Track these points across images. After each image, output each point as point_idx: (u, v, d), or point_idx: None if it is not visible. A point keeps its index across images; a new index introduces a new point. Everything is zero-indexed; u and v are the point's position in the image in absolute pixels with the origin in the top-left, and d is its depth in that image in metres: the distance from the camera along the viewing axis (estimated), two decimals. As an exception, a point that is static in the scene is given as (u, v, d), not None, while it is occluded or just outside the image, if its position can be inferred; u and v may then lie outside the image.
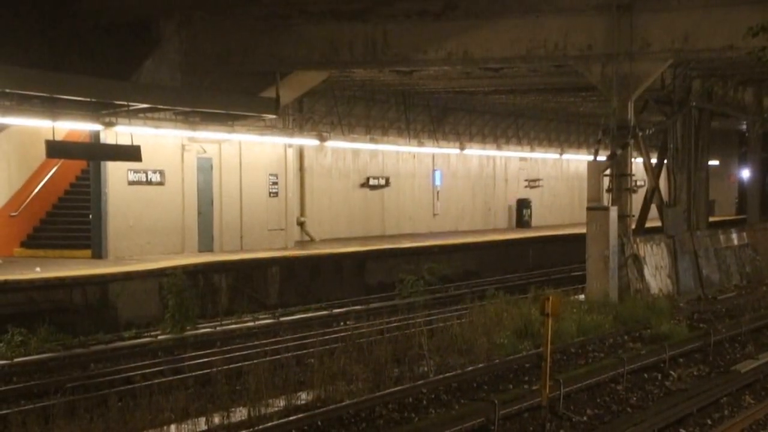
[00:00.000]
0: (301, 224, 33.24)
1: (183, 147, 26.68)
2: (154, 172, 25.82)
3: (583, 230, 24.19)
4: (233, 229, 28.39)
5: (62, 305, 20.49)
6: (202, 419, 12.45)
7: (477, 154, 42.47)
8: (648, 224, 28.12)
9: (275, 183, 29.86)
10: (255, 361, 15.46)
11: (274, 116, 27.10)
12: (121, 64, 24.61)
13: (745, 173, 43.41)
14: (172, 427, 12.27)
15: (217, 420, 12.47)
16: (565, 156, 47.94)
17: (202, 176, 27.43)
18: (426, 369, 15.58)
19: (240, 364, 16.07)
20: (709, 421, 13.64)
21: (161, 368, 16.83)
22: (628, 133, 24.14)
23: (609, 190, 24.30)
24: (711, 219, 34.98)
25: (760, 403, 14.63)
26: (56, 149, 22.79)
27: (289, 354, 15.70)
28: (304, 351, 17.18)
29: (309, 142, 32.32)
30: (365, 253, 29.57)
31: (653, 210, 27.87)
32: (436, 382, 14.78)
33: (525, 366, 16.48)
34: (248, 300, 24.36)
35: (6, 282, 19.96)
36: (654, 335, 19.59)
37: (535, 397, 13.62)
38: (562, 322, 18.73)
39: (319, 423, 12.53)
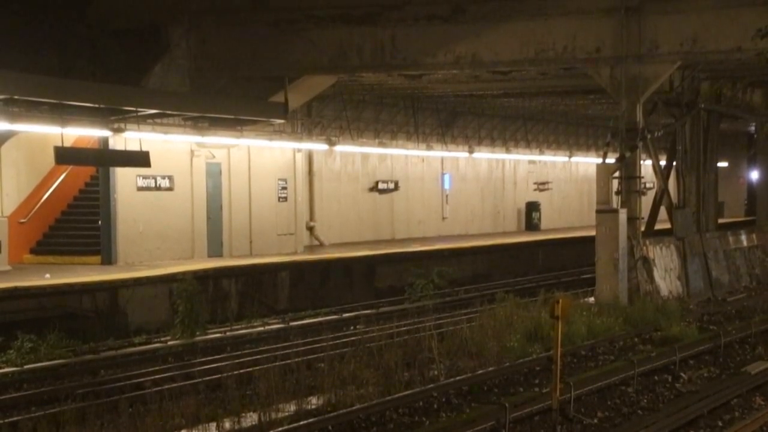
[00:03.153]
0: (310, 229, 33.25)
1: (192, 152, 26.71)
2: (163, 177, 25.86)
3: (593, 233, 24.16)
4: (242, 233, 28.41)
5: (72, 311, 20.51)
6: (213, 425, 12.47)
7: (486, 157, 42.44)
8: (657, 226, 28.07)
9: (284, 188, 29.88)
10: (265, 366, 15.49)
11: (282, 121, 27.12)
12: (130, 69, 24.66)
13: (754, 175, 43.33)
14: (183, 432, 12.30)
15: (227, 425, 12.50)
16: (574, 159, 47.89)
17: (211, 181, 27.46)
18: (436, 373, 15.58)
19: (250, 369, 16.09)
20: (720, 423, 13.61)
21: (171, 374, 16.86)
22: (637, 135, 24.11)
23: (618, 193, 24.26)
24: (720, 221, 34.93)
25: (771, 405, 14.61)
26: (65, 155, 22.83)
27: (300, 359, 15.69)
28: (315, 356, 17.18)
29: (318, 146, 32.34)
30: (375, 257, 29.56)
31: (662, 212, 27.82)
32: (446, 386, 14.77)
33: (535, 369, 16.46)
34: (258, 305, 24.37)
35: (16, 288, 19.98)
36: (664, 337, 19.56)
37: (546, 400, 13.60)
38: (572, 325, 18.71)
39: (330, 428, 12.54)
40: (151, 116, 23.70)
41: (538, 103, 39.60)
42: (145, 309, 21.92)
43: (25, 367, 17.22)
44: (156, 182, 25.68)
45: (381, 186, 37.00)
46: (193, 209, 26.76)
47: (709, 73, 28.81)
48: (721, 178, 35.28)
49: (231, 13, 25.44)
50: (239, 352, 19.12)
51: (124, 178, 24.87)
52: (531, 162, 46.06)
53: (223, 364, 16.93)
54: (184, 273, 22.34)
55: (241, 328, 21.98)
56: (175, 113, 24.21)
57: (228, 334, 21.26)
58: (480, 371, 15.76)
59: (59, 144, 22.20)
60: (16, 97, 20.21)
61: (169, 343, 20.01)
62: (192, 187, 26.74)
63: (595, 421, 13.58)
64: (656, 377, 16.38)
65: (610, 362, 17.32)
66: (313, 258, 28.36)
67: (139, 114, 22.87)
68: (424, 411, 13.75)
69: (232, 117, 25.40)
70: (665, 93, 27.32)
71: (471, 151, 40.02)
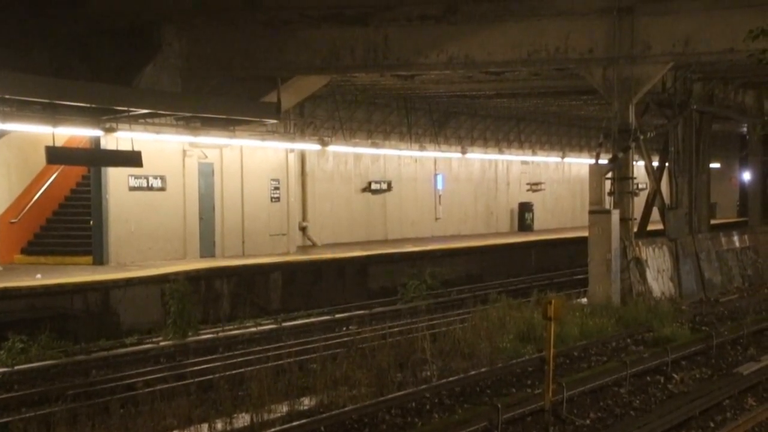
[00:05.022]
0: (303, 229, 33.22)
1: (184, 152, 26.66)
2: (156, 177, 25.80)
3: (586, 233, 24.17)
4: (235, 234, 28.37)
5: (63, 312, 20.45)
6: (205, 425, 12.45)
7: (479, 157, 42.46)
8: (650, 227, 28.10)
9: (277, 188, 29.85)
10: (257, 367, 15.46)
11: (275, 121, 27.08)
12: (122, 69, 24.61)
13: (747, 176, 43.41)
14: (174, 433, 12.26)
15: (219, 426, 12.47)
16: (567, 159, 47.93)
17: (204, 181, 27.42)
18: (429, 373, 15.56)
19: (242, 369, 16.05)
20: (712, 424, 13.61)
21: (163, 374, 16.81)
22: (629, 136, 24.13)
23: (611, 194, 24.28)
24: (712, 222, 34.97)
25: (763, 405, 14.61)
26: (56, 155, 22.77)
27: (292, 359, 15.65)
28: (307, 356, 17.15)
29: (311, 146, 32.31)
30: (367, 257, 29.54)
31: (655, 213, 27.86)
32: (439, 387, 14.76)
33: (528, 370, 16.45)
34: (250, 305, 24.33)
35: (6, 289, 19.92)
36: (656, 338, 19.58)
37: (538, 401, 13.60)
38: (565, 326, 18.71)
39: (323, 428, 12.50)
40: (143, 116, 23.65)
41: (530, 104, 39.62)
42: (136, 309, 21.87)
43: (16, 367, 17.16)
44: (148, 182, 25.62)
45: (374, 186, 36.99)
46: (185, 209, 26.70)
47: (701, 74, 28.84)
48: (713, 179, 35.33)
49: (223, 12, 25.38)
50: (231, 353, 19.07)
51: (115, 178, 24.81)
52: (524, 162, 46.09)
53: (215, 364, 16.89)
54: (176, 273, 22.29)
55: (234, 329, 21.94)
56: (167, 113, 24.16)
57: (220, 334, 21.21)
58: (473, 372, 15.74)
59: (51, 144, 22.14)
60: (7, 96, 20.15)
61: (161, 343, 19.96)
62: (184, 188, 26.68)
63: (588, 422, 13.56)
64: (648, 378, 16.37)
65: (602, 363, 17.31)
66: (305, 258, 28.33)
67: (131, 114, 22.82)
68: (416, 412, 13.73)
69: (225, 117, 25.36)
70: (658, 94, 27.36)
71: (464, 152, 40.03)
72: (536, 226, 44.74)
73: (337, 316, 24.25)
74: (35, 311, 19.95)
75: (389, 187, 37.60)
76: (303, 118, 32.89)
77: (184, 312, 20.42)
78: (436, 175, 40.50)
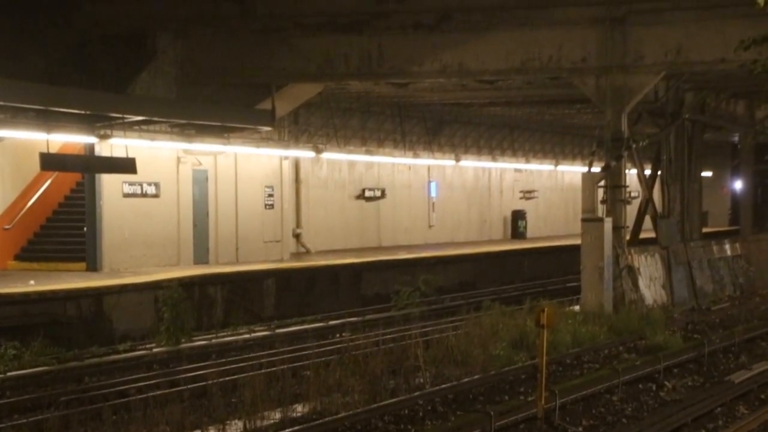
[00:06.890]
0: (296, 236, 33.24)
1: (178, 159, 26.69)
2: (150, 184, 25.82)
3: (578, 241, 24.24)
4: (229, 241, 28.39)
5: (56, 318, 20.44)
6: (198, 432, 12.47)
7: (472, 165, 42.53)
8: (642, 235, 28.18)
9: (271, 195, 29.88)
10: (251, 374, 15.44)
11: (269, 128, 27.13)
12: (116, 76, 24.64)
13: (738, 185, 43.57)
14: (168, 439, 12.28)
15: (212, 432, 12.50)
16: (560, 167, 48.03)
17: (198, 188, 27.44)
18: (422, 380, 15.61)
19: (236, 376, 16.07)
20: (704, 432, 13.69)
21: (156, 381, 16.82)
22: (622, 144, 24.22)
23: (603, 202, 24.36)
24: (704, 230, 35.08)
25: (754, 413, 14.68)
26: (51, 162, 22.77)
27: (285, 366, 15.70)
28: (300, 363, 17.16)
29: (305, 153, 32.37)
30: (361, 264, 29.57)
31: (647, 221, 27.94)
32: (432, 394, 14.80)
33: (521, 377, 16.50)
34: (244, 312, 24.34)
35: None
36: (648, 346, 19.64)
37: (531, 409, 13.65)
38: (558, 334, 18.76)
39: (315, 435, 12.55)
40: (138, 123, 23.69)
41: (524, 112, 39.73)
42: (130, 316, 21.86)
43: (8, 374, 17.14)
44: (142, 189, 25.64)
45: (368, 193, 37.03)
46: (179, 216, 26.72)
47: (693, 83, 28.98)
48: (705, 188, 35.45)
49: (218, 20, 25.45)
50: (225, 360, 19.09)
51: (110, 184, 24.83)
52: (517, 170, 46.18)
53: (208, 371, 16.91)
54: (169, 280, 22.29)
55: (227, 336, 21.96)
56: (161, 120, 24.21)
57: (213, 341, 21.23)
58: (465, 379, 15.79)
59: (45, 150, 22.15)
60: (1, 103, 20.17)
61: (154, 350, 19.97)
62: (178, 194, 26.70)
63: (580, 429, 13.62)
64: (641, 386, 16.44)
65: (595, 370, 17.37)
66: (299, 265, 28.35)
67: (125, 121, 22.86)
68: (409, 419, 13.77)
69: (219, 124, 25.41)
70: (650, 103, 27.49)
71: (457, 159, 40.10)
72: (529, 233, 44.81)
73: (331, 322, 24.28)
74: (28, 317, 19.93)
75: (383, 195, 37.65)
76: (297, 126, 32.94)
77: (178, 319, 20.42)
78: (429, 182, 40.56)
